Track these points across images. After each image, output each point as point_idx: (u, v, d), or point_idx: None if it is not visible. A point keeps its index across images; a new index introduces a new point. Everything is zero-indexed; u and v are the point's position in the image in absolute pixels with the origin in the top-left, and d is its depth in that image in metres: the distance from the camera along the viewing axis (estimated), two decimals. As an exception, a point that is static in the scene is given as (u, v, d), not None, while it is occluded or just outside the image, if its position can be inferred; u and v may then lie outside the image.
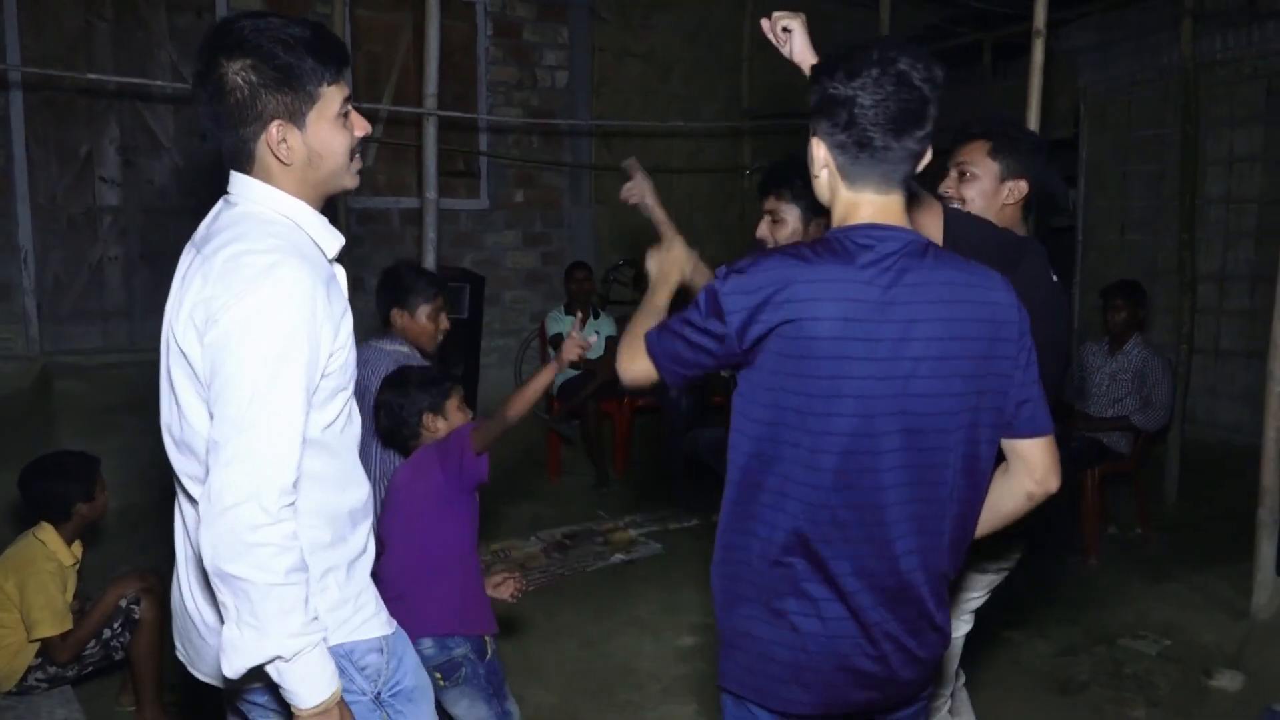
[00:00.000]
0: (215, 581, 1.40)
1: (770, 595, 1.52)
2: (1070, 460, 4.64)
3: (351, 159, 1.61)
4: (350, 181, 1.62)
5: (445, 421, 2.57)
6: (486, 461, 2.46)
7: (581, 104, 6.76)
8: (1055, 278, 2.23)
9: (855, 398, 1.45)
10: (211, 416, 1.43)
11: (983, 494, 1.60)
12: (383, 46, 6.05)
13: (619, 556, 4.65)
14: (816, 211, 2.42)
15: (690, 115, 6.92)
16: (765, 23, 2.14)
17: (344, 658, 1.57)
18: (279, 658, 1.40)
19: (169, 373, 1.56)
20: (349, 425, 1.64)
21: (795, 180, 2.40)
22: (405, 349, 3.06)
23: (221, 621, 1.43)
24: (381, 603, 1.68)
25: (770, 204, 2.51)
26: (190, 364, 1.49)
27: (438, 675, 2.41)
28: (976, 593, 2.31)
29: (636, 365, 1.62)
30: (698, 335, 1.52)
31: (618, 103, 6.90)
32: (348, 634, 1.59)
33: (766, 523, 1.52)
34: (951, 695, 2.45)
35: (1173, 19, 5.66)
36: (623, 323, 5.98)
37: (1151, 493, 5.13)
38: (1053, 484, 1.61)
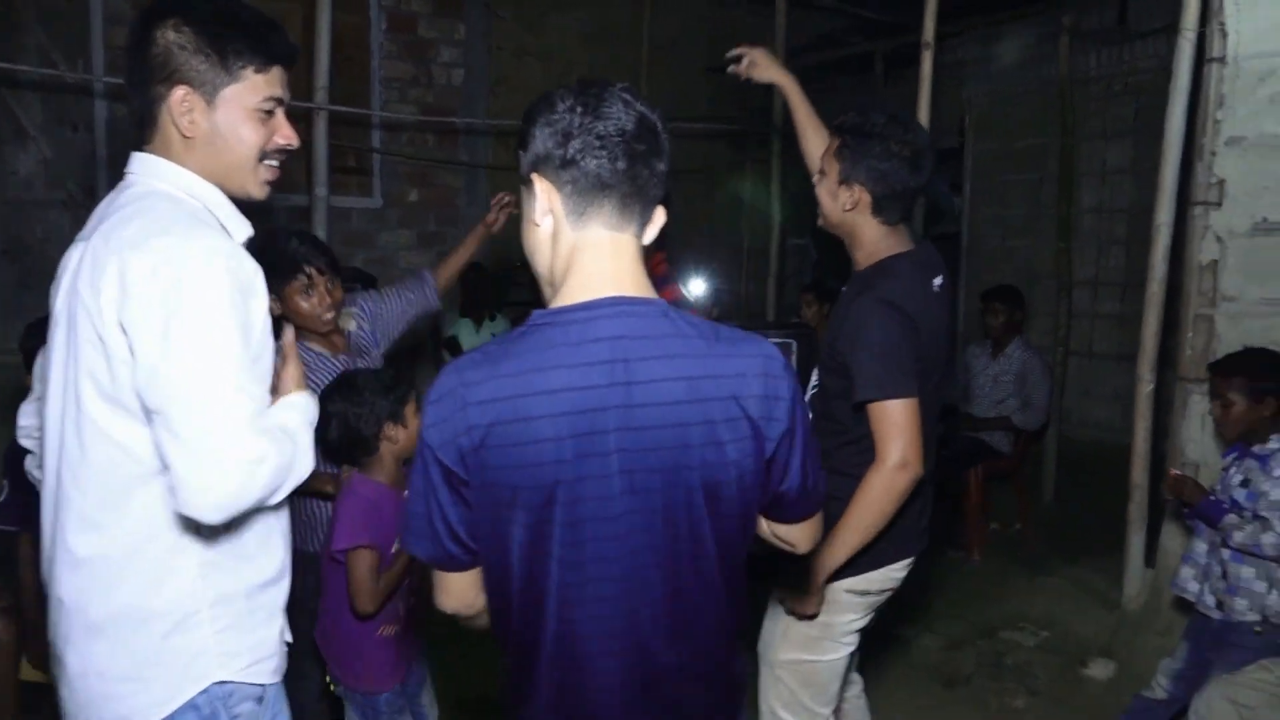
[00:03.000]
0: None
1: None
2: (955, 460, 4.84)
3: (261, 162, 1.52)
4: (255, 188, 1.53)
5: (405, 430, 2.37)
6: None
7: (479, 103, 6.66)
8: (938, 281, 2.20)
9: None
10: (147, 409, 1.36)
11: None
12: (270, 37, 5.84)
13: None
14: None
15: (588, 116, 6.89)
16: (736, 67, 2.41)
17: (219, 700, 1.45)
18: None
19: (67, 372, 1.43)
20: None
21: None
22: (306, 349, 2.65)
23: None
24: (283, 646, 1.57)
25: None
26: (107, 350, 1.37)
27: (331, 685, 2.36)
28: (857, 614, 2.26)
29: None
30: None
31: (516, 102, 6.81)
32: (233, 671, 1.47)
33: None
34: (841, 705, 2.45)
35: (1051, 35, 5.92)
36: (519, 324, 5.92)
37: (1031, 490, 5.35)
38: None
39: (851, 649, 2.28)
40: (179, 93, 1.43)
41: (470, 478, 1.27)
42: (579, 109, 1.29)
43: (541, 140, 1.31)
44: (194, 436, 1.31)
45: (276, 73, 1.50)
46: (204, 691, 1.43)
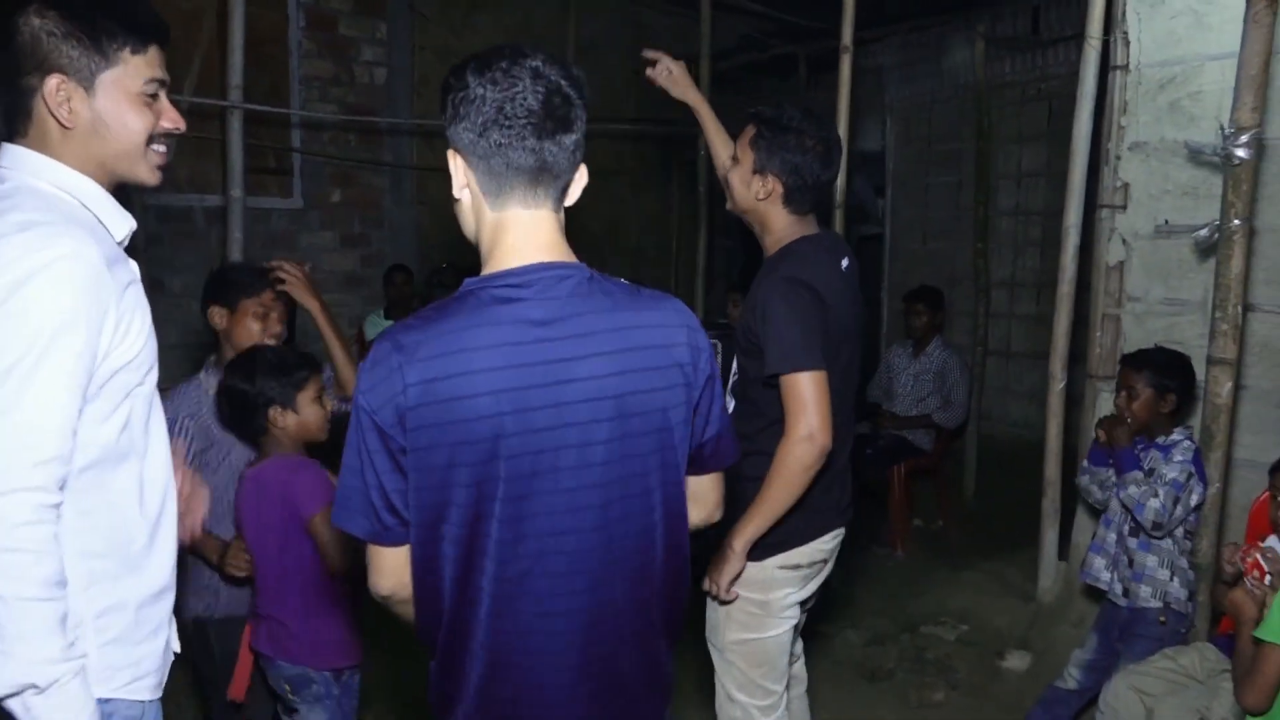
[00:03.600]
0: None
1: None
2: (879, 458, 4.92)
3: (149, 147, 1.45)
4: (146, 174, 1.46)
5: (296, 416, 2.30)
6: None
7: (402, 102, 6.57)
8: (845, 262, 2.26)
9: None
10: None
11: None
12: (182, 32, 5.65)
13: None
14: None
15: (514, 117, 6.84)
16: (651, 70, 2.42)
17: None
18: (32, 686, 1.22)
19: None
20: (149, 428, 1.47)
21: None
22: (209, 384, 2.58)
23: None
24: (167, 661, 1.50)
25: None
26: None
27: (288, 687, 2.29)
28: (792, 588, 2.29)
29: None
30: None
31: (440, 102, 6.74)
32: (113, 689, 1.39)
33: None
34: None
35: (967, 41, 6.06)
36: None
37: (952, 487, 5.47)
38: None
39: (793, 622, 2.33)
40: (53, 82, 1.36)
41: (408, 441, 1.27)
42: (487, 86, 1.30)
43: (454, 118, 1.33)
44: None
45: (154, 53, 1.43)
46: None
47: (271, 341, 2.61)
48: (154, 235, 5.52)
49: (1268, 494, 2.54)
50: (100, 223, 1.41)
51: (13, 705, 1.23)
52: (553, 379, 1.30)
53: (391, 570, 1.37)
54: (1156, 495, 2.77)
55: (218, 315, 2.61)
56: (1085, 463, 3.15)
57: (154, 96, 1.44)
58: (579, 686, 1.39)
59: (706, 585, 2.26)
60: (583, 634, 1.37)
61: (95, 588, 1.37)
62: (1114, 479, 2.95)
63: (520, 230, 1.35)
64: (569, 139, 1.34)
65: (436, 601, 1.36)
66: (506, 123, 1.29)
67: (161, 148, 1.49)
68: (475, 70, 1.31)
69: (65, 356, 1.27)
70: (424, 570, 1.35)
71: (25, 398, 1.23)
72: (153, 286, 5.46)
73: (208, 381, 2.56)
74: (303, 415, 2.32)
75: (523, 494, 1.31)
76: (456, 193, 1.38)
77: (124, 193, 1.51)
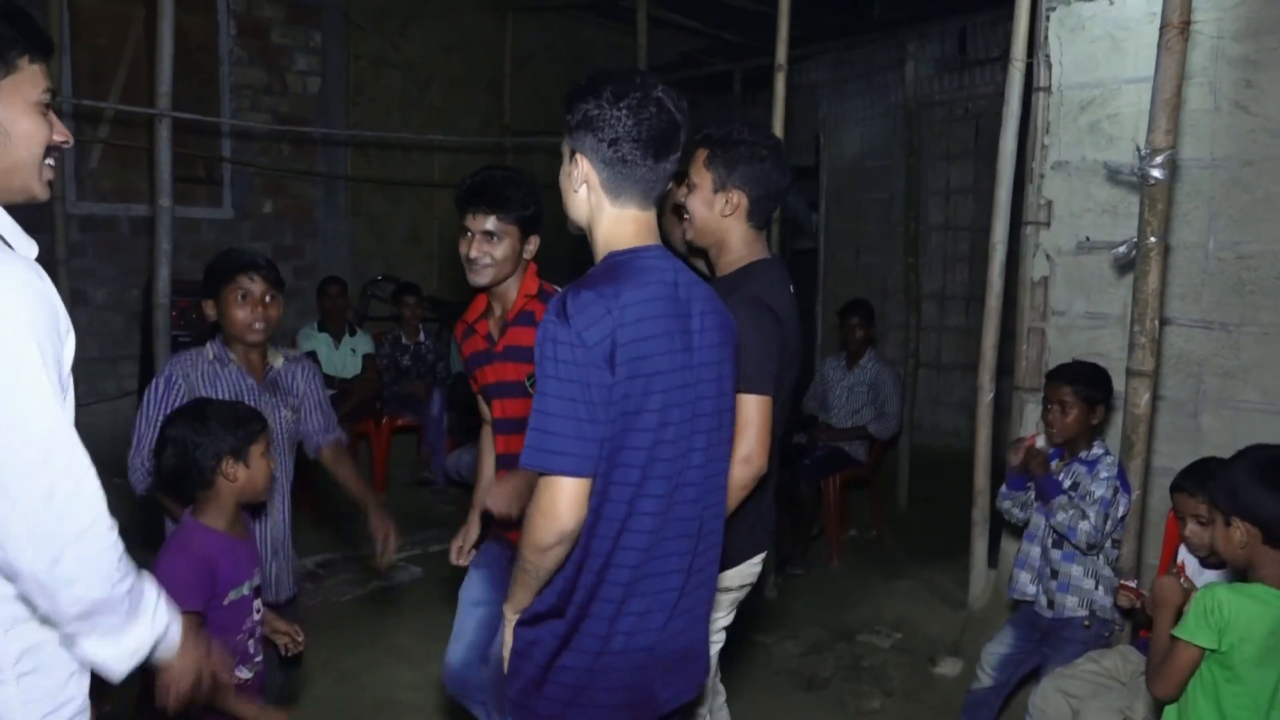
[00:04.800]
0: (73, 621, 1.33)
1: None
2: (815, 469, 4.98)
3: (44, 160, 1.41)
4: (40, 189, 1.42)
5: (246, 470, 2.18)
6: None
7: (336, 112, 6.49)
8: (790, 288, 2.30)
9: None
10: None
11: None
12: (108, 39, 5.54)
13: (376, 583, 4.47)
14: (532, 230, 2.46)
15: (451, 129, 6.82)
16: None
17: None
18: (159, 637, 1.44)
19: None
20: None
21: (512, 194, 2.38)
22: (213, 353, 2.63)
23: None
24: (87, 704, 1.46)
25: (489, 223, 2.39)
26: None
27: None
28: (723, 612, 2.30)
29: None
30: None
31: (375, 113, 6.69)
32: None
33: None
34: (710, 711, 2.47)
35: (897, 61, 6.21)
36: (380, 340, 5.80)
37: (886, 497, 5.56)
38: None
39: (719, 646, 2.32)
40: None
41: (615, 374, 1.54)
42: (622, 111, 1.60)
43: (587, 127, 1.63)
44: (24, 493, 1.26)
45: (44, 65, 1.41)
46: None
47: (261, 325, 2.61)
48: (77, 245, 5.37)
49: None
50: (7, 244, 1.37)
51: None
52: (686, 330, 1.66)
53: (580, 503, 1.56)
54: (1087, 517, 2.83)
55: (208, 308, 2.65)
56: (1004, 488, 3.20)
57: (46, 108, 1.41)
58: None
59: None
60: (688, 559, 1.71)
61: (14, 630, 1.34)
62: (1034, 500, 3.02)
63: (640, 224, 1.69)
64: (674, 158, 1.68)
65: (601, 533, 1.60)
66: (635, 146, 1.62)
67: (51, 161, 1.44)
68: (612, 94, 1.60)
69: (41, 377, 1.29)
70: (598, 510, 1.58)
71: (63, 425, 1.31)
72: (74, 298, 5.32)
73: (212, 350, 2.63)
74: (253, 469, 2.20)
75: (684, 435, 1.64)
76: (575, 188, 1.69)
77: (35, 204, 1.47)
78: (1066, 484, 2.98)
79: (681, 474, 1.66)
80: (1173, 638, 2.05)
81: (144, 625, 1.41)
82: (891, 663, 3.80)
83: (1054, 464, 3.06)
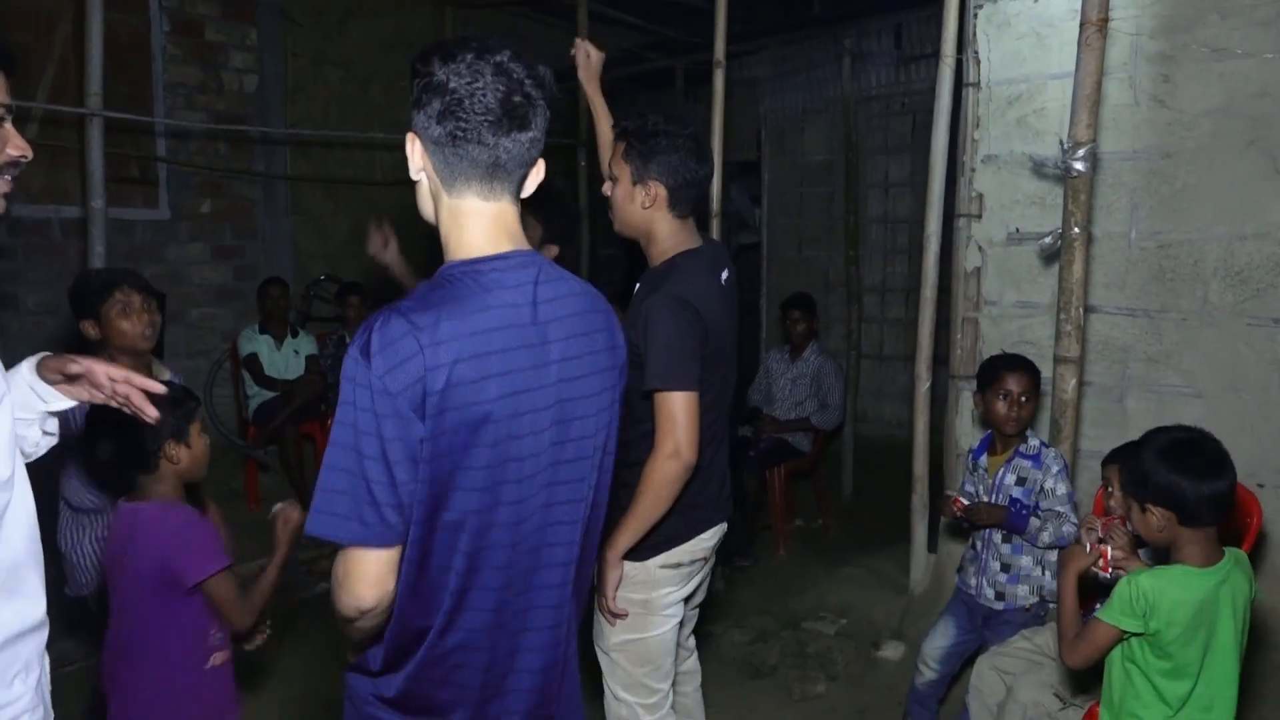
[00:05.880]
0: None
1: None
2: (759, 460, 5.05)
3: None
4: None
5: (189, 450, 2.21)
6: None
7: (274, 111, 6.40)
8: (725, 274, 2.32)
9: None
10: None
11: None
12: (35, 37, 5.39)
13: (322, 585, 4.44)
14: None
15: (393, 127, 6.76)
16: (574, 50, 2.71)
17: None
18: None
19: None
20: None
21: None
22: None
23: None
24: (41, 699, 1.44)
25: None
26: None
27: None
28: (674, 586, 2.33)
29: None
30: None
31: (315, 111, 6.61)
32: None
33: None
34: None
35: (835, 56, 6.30)
36: (324, 341, 5.75)
37: (831, 486, 5.65)
38: None
39: (677, 619, 2.36)
40: None
41: (429, 427, 1.27)
42: (450, 76, 1.33)
43: (416, 103, 1.37)
44: None
45: (1, 79, 1.40)
46: None
47: (150, 332, 2.64)
48: (7, 248, 5.24)
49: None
50: None
51: None
52: (539, 362, 1.38)
53: (378, 578, 1.31)
54: (1065, 520, 2.82)
55: (90, 328, 2.65)
56: (1018, 536, 2.95)
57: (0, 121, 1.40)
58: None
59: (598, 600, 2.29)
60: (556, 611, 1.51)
61: None
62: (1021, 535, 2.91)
63: (484, 220, 1.40)
64: (525, 136, 1.37)
65: (434, 598, 1.37)
66: (464, 116, 1.33)
67: (8, 176, 1.44)
68: (441, 58, 1.34)
69: None
70: (421, 567, 1.35)
71: None
72: (4, 303, 5.19)
73: None
74: (194, 448, 2.22)
75: (523, 475, 1.37)
76: (414, 175, 1.43)
77: None
78: (1011, 479, 2.95)
79: (537, 533, 1.42)
80: (1096, 619, 2.12)
81: None
82: (836, 648, 3.87)
83: (983, 459, 3.06)
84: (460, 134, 1.34)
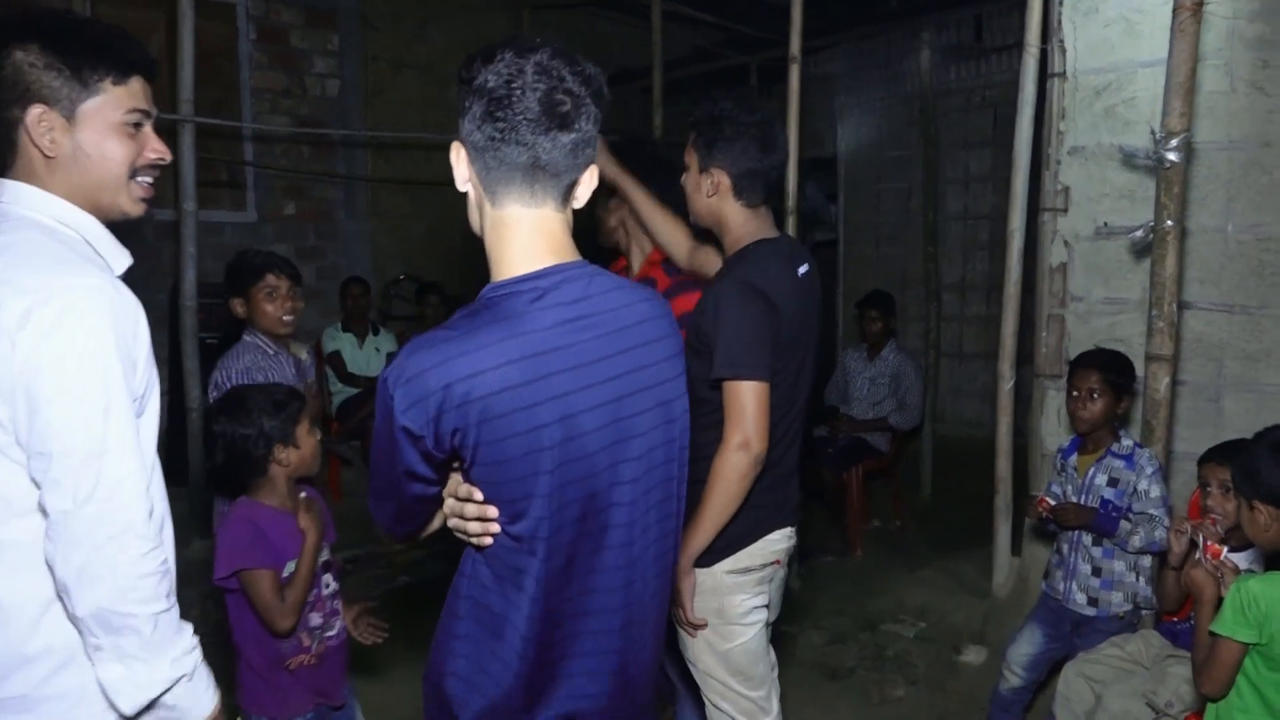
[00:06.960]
0: (91, 626, 1.33)
1: None
2: (837, 460, 4.99)
3: (133, 178, 1.47)
4: (129, 205, 1.48)
5: (297, 451, 2.24)
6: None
7: (354, 114, 6.56)
8: (803, 269, 2.24)
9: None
10: (36, 462, 1.32)
11: None
12: (131, 47, 5.63)
13: (403, 578, 4.53)
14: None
15: (470, 128, 6.86)
16: None
17: None
18: (182, 677, 1.39)
19: None
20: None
21: None
22: (260, 341, 2.95)
23: None
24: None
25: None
26: None
27: None
28: (747, 594, 2.26)
29: None
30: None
31: (394, 114, 6.74)
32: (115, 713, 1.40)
33: None
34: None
35: (913, 50, 6.18)
36: (404, 339, 5.86)
37: (908, 487, 5.56)
38: None
39: (759, 627, 2.27)
40: (35, 112, 1.39)
41: (467, 456, 1.28)
42: (490, 77, 1.27)
43: (460, 110, 1.32)
44: (84, 498, 1.30)
45: (137, 84, 1.45)
46: None
47: (290, 318, 2.91)
48: (104, 251, 5.46)
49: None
50: (100, 256, 1.44)
51: (166, 699, 1.39)
52: (587, 383, 1.31)
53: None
54: (1158, 524, 2.72)
55: (238, 305, 2.95)
56: (1108, 538, 2.86)
57: (137, 126, 1.46)
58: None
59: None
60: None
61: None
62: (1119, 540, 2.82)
63: (526, 231, 1.32)
64: (567, 137, 1.29)
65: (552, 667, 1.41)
66: (502, 116, 1.26)
67: (147, 179, 1.50)
68: (483, 60, 1.29)
69: (121, 392, 1.34)
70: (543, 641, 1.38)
71: (110, 441, 1.32)
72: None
73: (258, 341, 2.92)
74: (303, 449, 2.26)
75: (584, 495, 1.33)
76: (460, 185, 1.37)
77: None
78: (1102, 480, 2.86)
79: (628, 564, 1.40)
80: (1212, 634, 2.02)
81: (163, 662, 1.37)
82: (916, 651, 3.81)
83: (1073, 458, 2.98)
84: (499, 135, 1.27)
